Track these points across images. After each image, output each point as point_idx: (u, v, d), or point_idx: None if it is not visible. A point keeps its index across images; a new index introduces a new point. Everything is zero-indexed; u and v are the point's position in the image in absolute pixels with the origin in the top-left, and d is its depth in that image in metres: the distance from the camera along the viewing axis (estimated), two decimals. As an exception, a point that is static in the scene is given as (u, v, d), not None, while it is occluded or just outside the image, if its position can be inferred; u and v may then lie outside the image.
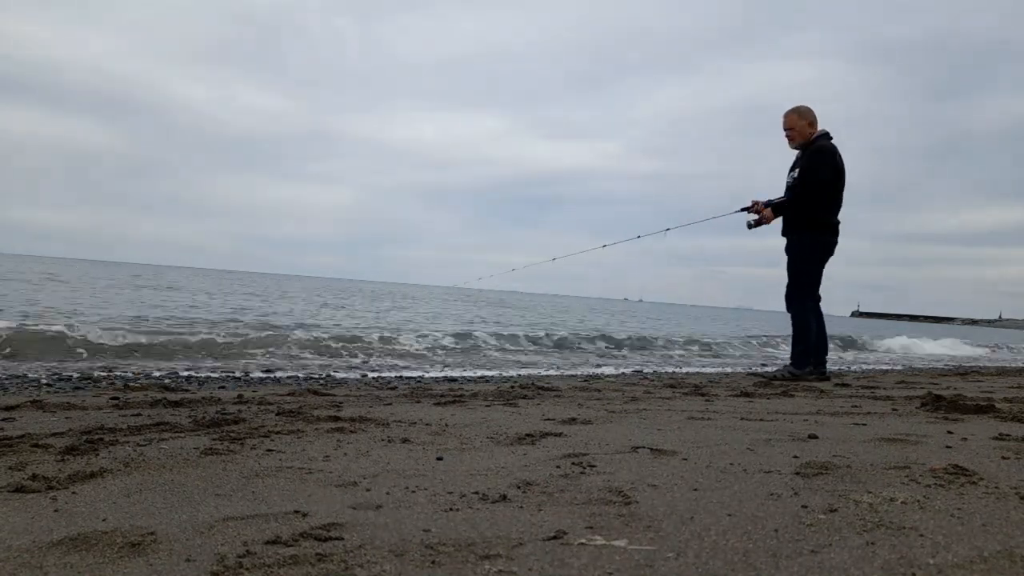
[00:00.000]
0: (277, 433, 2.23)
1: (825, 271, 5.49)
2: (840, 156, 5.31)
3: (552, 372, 6.44)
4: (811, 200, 5.30)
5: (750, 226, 5.50)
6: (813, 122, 5.38)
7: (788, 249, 5.46)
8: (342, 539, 1.20)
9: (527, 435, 2.29)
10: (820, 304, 5.52)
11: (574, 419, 2.72)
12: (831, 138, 5.35)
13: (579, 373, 6.39)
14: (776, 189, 5.59)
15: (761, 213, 5.45)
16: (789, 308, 5.48)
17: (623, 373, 6.55)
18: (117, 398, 3.11)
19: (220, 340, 6.81)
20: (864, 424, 2.71)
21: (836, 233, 5.40)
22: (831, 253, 5.43)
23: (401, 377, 5.32)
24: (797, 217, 5.38)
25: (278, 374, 5.12)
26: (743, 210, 5.55)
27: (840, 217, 5.43)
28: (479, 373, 5.99)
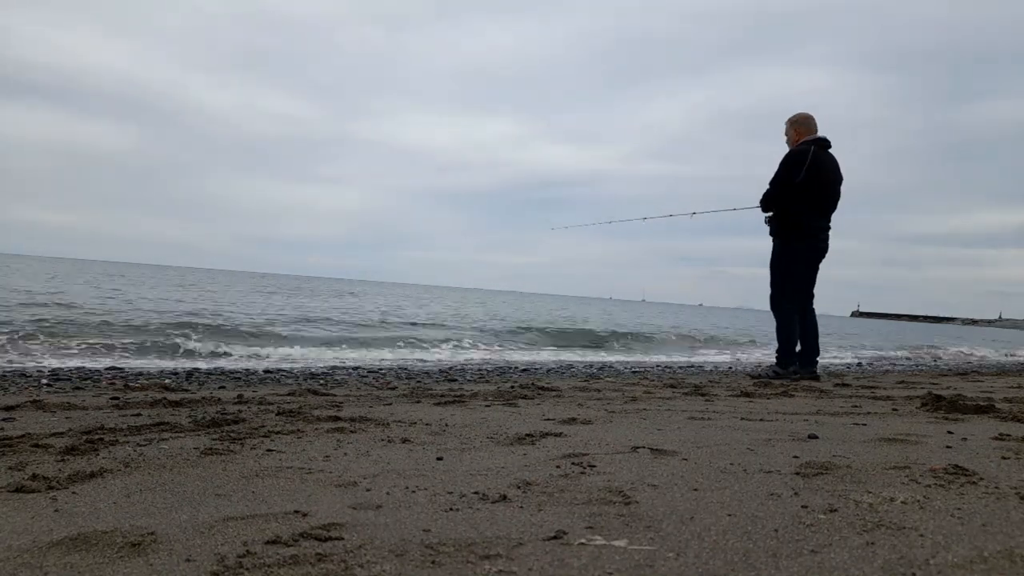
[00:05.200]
0: (277, 433, 2.23)
1: (822, 273, 5.51)
2: (823, 160, 5.32)
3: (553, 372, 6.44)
4: (773, 201, 5.41)
5: (767, 221, 5.63)
6: (802, 129, 5.47)
7: (772, 252, 5.54)
8: (342, 539, 1.20)
9: (527, 435, 2.29)
10: (812, 305, 5.58)
11: (574, 419, 2.72)
12: (824, 145, 5.38)
13: (579, 373, 6.39)
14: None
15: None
16: (773, 309, 5.56)
17: (623, 372, 6.55)
18: (117, 398, 3.11)
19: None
20: (864, 424, 2.71)
21: (821, 238, 5.42)
22: (820, 257, 5.47)
23: (400, 377, 5.32)
24: (777, 221, 5.46)
25: (278, 373, 5.12)
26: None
27: (834, 220, 5.47)
28: (479, 373, 5.99)
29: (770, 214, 5.54)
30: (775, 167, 5.43)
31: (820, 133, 5.45)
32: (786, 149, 5.54)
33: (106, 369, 5.07)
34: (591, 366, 7.46)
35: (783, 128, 5.59)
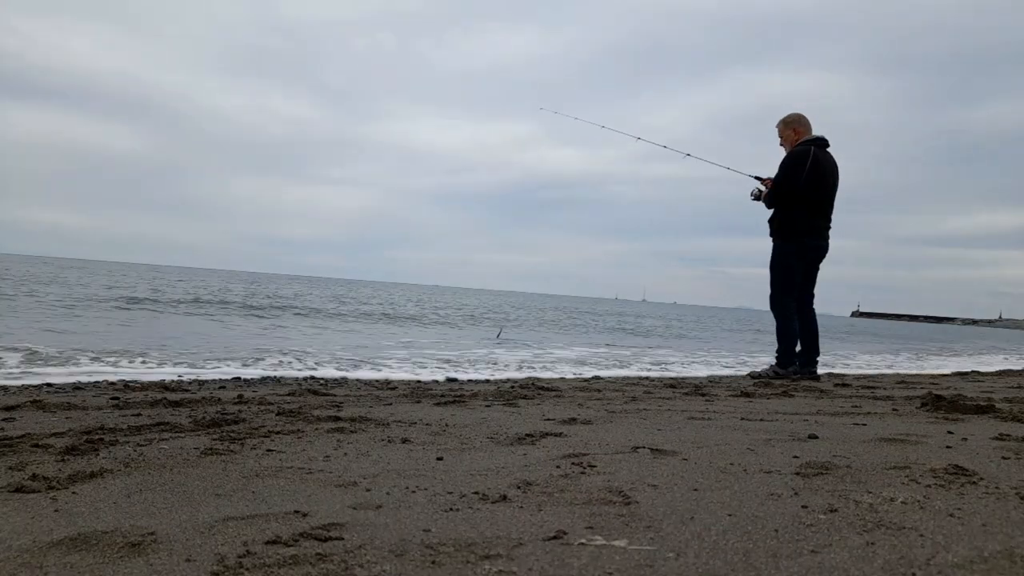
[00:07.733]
0: (277, 433, 2.23)
1: (823, 272, 5.53)
2: (823, 160, 5.34)
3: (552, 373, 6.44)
4: (777, 202, 5.43)
5: (753, 197, 5.60)
6: (799, 129, 5.50)
7: (772, 252, 5.56)
8: (342, 539, 1.20)
9: (527, 435, 2.29)
10: (812, 305, 5.59)
11: (574, 419, 2.72)
12: (823, 144, 5.40)
13: (580, 373, 6.39)
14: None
15: (767, 186, 5.53)
16: (773, 310, 5.58)
17: (623, 374, 6.55)
18: (117, 398, 3.11)
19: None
20: (864, 424, 2.71)
21: (820, 237, 5.44)
22: (819, 256, 5.49)
23: (400, 378, 5.33)
24: (777, 221, 5.47)
25: (278, 373, 5.12)
26: (757, 178, 5.65)
27: (835, 220, 5.49)
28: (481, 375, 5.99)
29: (770, 212, 5.55)
30: (775, 168, 5.44)
31: (818, 133, 5.47)
32: (779, 150, 5.57)
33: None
34: (586, 364, 7.45)
35: (776, 129, 5.62)
